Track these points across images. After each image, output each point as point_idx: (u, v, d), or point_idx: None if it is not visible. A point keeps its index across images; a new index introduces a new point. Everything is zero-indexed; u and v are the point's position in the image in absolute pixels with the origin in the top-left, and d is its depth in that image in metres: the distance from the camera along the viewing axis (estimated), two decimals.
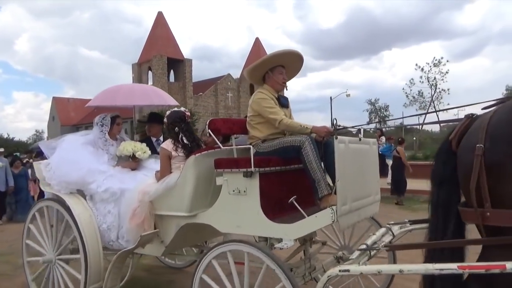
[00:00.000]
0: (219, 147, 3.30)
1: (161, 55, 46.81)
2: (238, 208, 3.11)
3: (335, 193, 2.94)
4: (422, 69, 23.27)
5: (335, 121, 2.80)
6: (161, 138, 4.84)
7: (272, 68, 3.42)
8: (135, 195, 3.46)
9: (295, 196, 3.34)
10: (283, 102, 3.46)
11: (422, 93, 41.14)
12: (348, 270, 2.43)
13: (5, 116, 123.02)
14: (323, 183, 3.02)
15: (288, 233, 2.90)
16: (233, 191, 3.08)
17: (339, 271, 2.45)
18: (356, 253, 2.75)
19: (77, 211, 3.65)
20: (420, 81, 22.83)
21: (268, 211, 3.03)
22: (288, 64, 3.49)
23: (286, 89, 3.53)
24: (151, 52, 47.81)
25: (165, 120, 3.57)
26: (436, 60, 22.34)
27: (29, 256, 4.25)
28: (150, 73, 48.66)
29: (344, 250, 4.01)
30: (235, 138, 3.65)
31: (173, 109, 3.60)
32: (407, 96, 44.74)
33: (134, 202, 3.44)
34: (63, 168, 3.87)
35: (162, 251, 3.60)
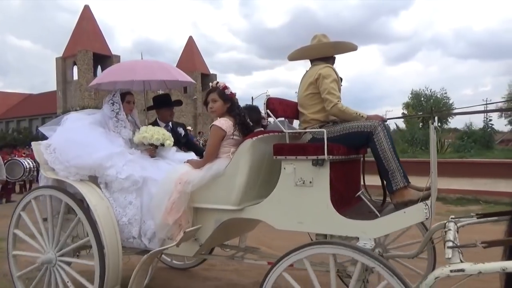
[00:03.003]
0: (281, 131, 2.76)
1: (87, 50, 44.70)
2: (301, 201, 2.58)
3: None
4: None
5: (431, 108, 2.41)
6: (170, 124, 4.20)
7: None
8: (170, 184, 2.81)
9: (363, 190, 2.93)
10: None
11: None
12: (462, 270, 2.01)
13: None
14: (398, 174, 2.60)
15: (368, 232, 2.43)
16: (298, 181, 2.58)
17: (451, 271, 2.05)
18: (449, 251, 2.36)
19: (93, 201, 2.91)
20: None
21: (335, 205, 2.57)
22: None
23: None
24: (76, 47, 45.46)
25: (228, 92, 2.90)
26: None
27: (16, 249, 3.42)
28: (75, 68, 46.28)
29: (378, 248, 3.63)
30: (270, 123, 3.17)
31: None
32: None
33: (169, 193, 2.79)
34: (72, 150, 3.11)
35: (195, 250, 2.95)
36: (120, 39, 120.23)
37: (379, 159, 2.63)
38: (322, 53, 3.03)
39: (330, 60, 3.04)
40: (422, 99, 44.38)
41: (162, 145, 3.34)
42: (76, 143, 3.15)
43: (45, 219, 3.27)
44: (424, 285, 2.10)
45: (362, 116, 2.81)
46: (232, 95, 2.93)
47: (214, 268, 4.61)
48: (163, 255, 4.40)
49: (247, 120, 2.89)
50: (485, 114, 18.76)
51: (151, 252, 2.81)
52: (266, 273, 2.46)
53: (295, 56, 3.20)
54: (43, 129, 3.41)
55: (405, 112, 40.18)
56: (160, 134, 3.32)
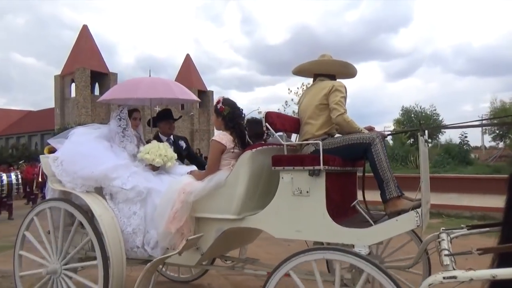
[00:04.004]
0: (280, 143, 2.88)
1: (84, 68, 45.30)
2: (298, 210, 2.68)
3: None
4: (296, 93, 25.97)
5: (420, 122, 2.55)
6: (172, 137, 4.32)
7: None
8: (173, 194, 2.91)
9: (358, 200, 3.03)
10: None
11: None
12: (454, 277, 2.10)
13: None
14: (392, 184, 2.71)
15: (362, 239, 2.52)
16: (296, 191, 2.69)
17: (443, 278, 2.14)
18: (446, 259, 2.46)
19: (98, 211, 2.99)
20: (294, 103, 25.58)
21: (332, 214, 2.67)
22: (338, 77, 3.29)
23: None
24: (74, 65, 46.13)
25: (222, 106, 2.97)
26: (304, 85, 25.50)
27: (22, 270, 3.47)
28: (73, 85, 46.88)
29: (375, 259, 3.71)
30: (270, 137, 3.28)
31: (226, 97, 3.08)
32: None
33: (172, 203, 2.89)
34: (78, 162, 3.20)
35: (197, 260, 3.02)
36: (123, 56, 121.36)
37: (375, 169, 2.73)
38: (333, 70, 3.16)
39: (333, 79, 3.16)
40: (413, 115, 45.04)
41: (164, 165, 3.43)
42: (82, 155, 3.24)
43: (48, 232, 3.35)
44: None
45: (363, 131, 2.92)
46: (222, 109, 2.98)
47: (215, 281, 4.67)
48: (168, 271, 4.48)
49: (245, 132, 2.99)
50: (462, 130, 19.02)
51: (154, 260, 2.87)
52: (264, 282, 2.55)
53: (306, 68, 3.27)
54: (52, 142, 3.52)
55: (396, 128, 40.70)
56: (162, 156, 3.38)
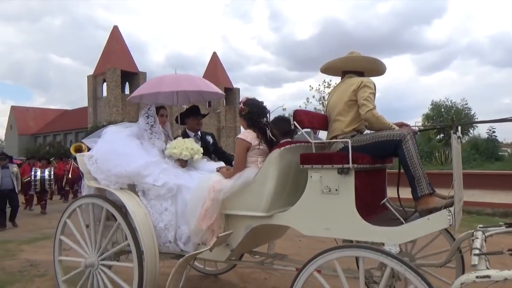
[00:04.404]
0: (308, 141, 2.88)
1: (115, 68, 46.58)
2: (327, 208, 2.67)
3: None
4: (318, 90, 25.71)
5: (454, 117, 2.49)
6: (199, 133, 4.39)
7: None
8: (203, 192, 2.97)
9: (388, 197, 3.00)
10: None
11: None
12: (488, 276, 2.05)
13: None
14: (424, 181, 2.65)
15: (393, 237, 2.49)
16: (325, 189, 2.69)
17: (477, 277, 2.09)
18: (475, 258, 2.40)
19: (132, 208, 3.08)
20: (315, 100, 25.31)
21: (361, 212, 2.65)
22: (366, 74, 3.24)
23: None
24: (105, 65, 47.50)
25: (242, 106, 3.06)
26: (326, 83, 25.19)
27: (61, 255, 3.64)
28: (104, 85, 48.21)
29: (405, 257, 3.64)
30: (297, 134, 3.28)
31: (250, 97, 3.15)
32: None
33: (202, 201, 2.95)
34: (112, 160, 3.32)
35: (226, 255, 3.08)
36: (153, 54, 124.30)
37: (406, 166, 2.68)
38: (361, 66, 3.13)
39: (361, 76, 3.11)
40: (443, 110, 43.57)
41: (191, 158, 3.51)
42: (115, 153, 3.36)
43: (87, 226, 3.50)
44: None
45: (393, 127, 2.89)
46: (241, 109, 3.10)
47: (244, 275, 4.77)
48: (195, 262, 4.59)
49: (267, 129, 3.02)
50: (490, 125, 18.28)
51: (186, 255, 2.93)
52: (294, 278, 2.57)
53: (333, 65, 3.25)
54: (86, 141, 3.67)
55: (425, 123, 39.63)
56: (188, 149, 3.45)
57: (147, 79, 49.66)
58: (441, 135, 31.57)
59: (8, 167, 9.22)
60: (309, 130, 2.96)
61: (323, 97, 26.45)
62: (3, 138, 66.98)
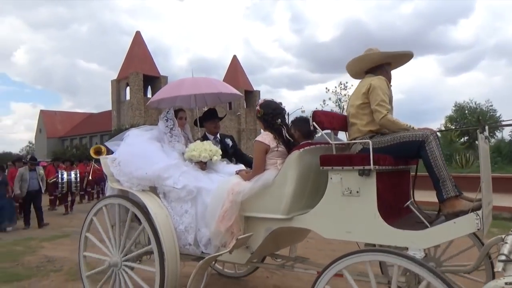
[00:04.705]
0: (328, 142, 2.84)
1: (137, 72, 47.57)
2: (348, 211, 2.62)
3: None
4: (334, 92, 25.67)
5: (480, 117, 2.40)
6: (218, 136, 4.40)
7: (387, 64, 3.08)
8: (223, 194, 2.97)
9: (412, 200, 2.91)
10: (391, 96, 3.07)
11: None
12: None
13: (1, 127, 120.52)
14: (449, 183, 2.56)
15: (417, 242, 2.40)
16: (345, 191, 2.63)
17: (505, 283, 1.99)
18: (500, 264, 2.29)
19: (153, 210, 3.11)
20: (332, 102, 25.27)
21: (384, 215, 2.58)
22: (396, 64, 3.17)
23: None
24: (128, 70, 48.52)
25: (258, 108, 3.06)
26: (342, 85, 25.18)
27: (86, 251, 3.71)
28: (127, 89, 49.27)
29: (431, 262, 3.52)
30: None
31: (267, 99, 3.14)
32: None
33: (221, 203, 2.95)
34: (134, 163, 3.37)
35: (247, 258, 3.06)
36: (176, 58, 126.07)
37: (430, 168, 2.60)
38: (378, 60, 3.06)
39: (383, 72, 3.04)
40: (466, 112, 42.28)
41: (210, 159, 3.52)
42: (137, 156, 3.40)
43: (113, 226, 3.55)
44: None
45: (413, 127, 2.82)
46: (257, 111, 3.10)
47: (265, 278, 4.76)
48: (216, 265, 4.61)
49: (283, 130, 3.00)
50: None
51: (206, 257, 2.93)
52: (314, 281, 2.53)
53: (350, 70, 3.23)
54: (109, 144, 3.74)
55: (449, 126, 38.61)
56: (207, 151, 3.46)
57: (168, 83, 50.56)
58: (466, 137, 30.51)
59: (35, 170, 9.71)
60: (329, 131, 2.91)
61: (339, 99, 26.31)
62: (33, 141, 69.40)
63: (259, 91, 56.71)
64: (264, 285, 4.43)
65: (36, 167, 9.86)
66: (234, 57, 58.69)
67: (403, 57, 3.15)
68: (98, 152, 18.78)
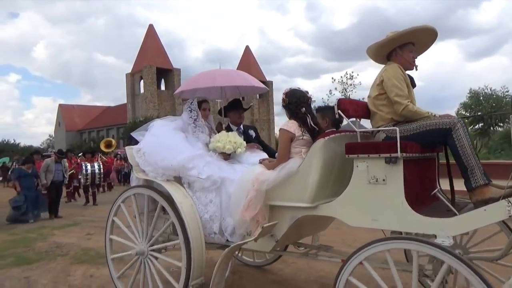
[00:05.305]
0: (353, 130, 2.82)
1: (151, 66, 47.80)
2: (374, 199, 2.59)
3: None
4: (340, 81, 25.26)
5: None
6: (242, 126, 4.41)
7: (402, 45, 2.93)
8: (247, 184, 2.98)
9: (439, 188, 2.88)
10: (412, 82, 3.01)
11: None
12: None
13: (24, 121, 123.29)
14: (478, 171, 2.50)
15: (445, 229, 2.36)
16: (371, 179, 2.62)
17: None
18: None
19: (178, 199, 3.14)
20: (338, 92, 24.90)
21: (410, 203, 2.56)
22: (418, 41, 2.98)
23: (416, 69, 3.06)
24: (142, 63, 48.81)
25: (283, 97, 3.03)
26: (348, 74, 24.88)
27: (113, 253, 3.78)
28: (141, 82, 49.56)
29: (458, 249, 3.47)
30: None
31: (293, 88, 3.13)
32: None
33: (246, 192, 2.95)
34: (158, 153, 3.40)
35: (271, 246, 3.07)
36: (192, 50, 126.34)
37: (458, 156, 2.54)
38: (375, 58, 3.05)
39: (397, 56, 2.95)
40: (481, 98, 41.21)
41: (234, 151, 3.52)
42: (162, 147, 3.42)
43: (140, 214, 3.60)
44: (507, 285, 2.03)
45: (435, 115, 2.77)
46: (283, 100, 3.08)
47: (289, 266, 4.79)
48: (243, 256, 4.66)
49: (307, 119, 2.96)
50: None
51: (231, 246, 2.95)
52: (339, 269, 2.53)
53: (371, 56, 3.14)
54: (134, 134, 3.78)
55: (463, 113, 37.77)
56: (231, 143, 3.45)
57: (181, 75, 50.81)
58: (480, 124, 29.58)
59: (61, 162, 10.16)
60: (354, 119, 2.88)
61: (345, 89, 26.00)
62: (53, 135, 70.92)
63: (271, 82, 56.51)
64: (279, 275, 4.45)
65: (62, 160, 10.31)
66: (247, 47, 58.62)
67: (424, 36, 2.98)
68: (109, 145, 19.06)
